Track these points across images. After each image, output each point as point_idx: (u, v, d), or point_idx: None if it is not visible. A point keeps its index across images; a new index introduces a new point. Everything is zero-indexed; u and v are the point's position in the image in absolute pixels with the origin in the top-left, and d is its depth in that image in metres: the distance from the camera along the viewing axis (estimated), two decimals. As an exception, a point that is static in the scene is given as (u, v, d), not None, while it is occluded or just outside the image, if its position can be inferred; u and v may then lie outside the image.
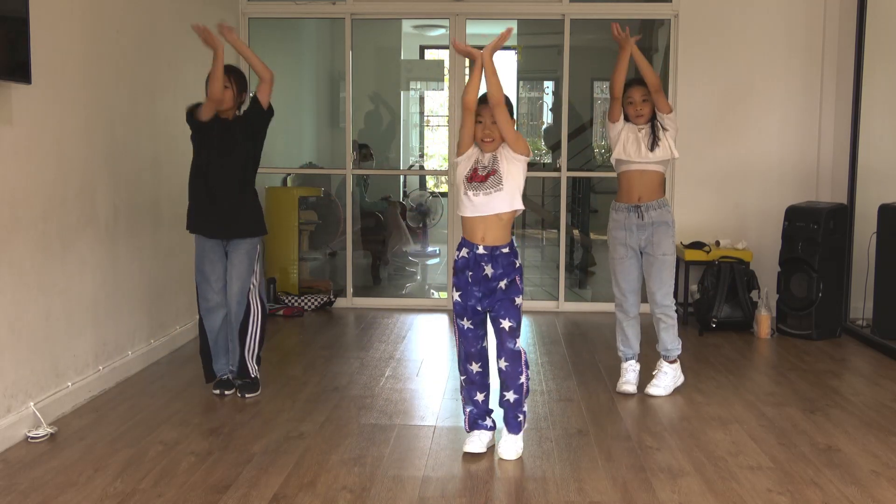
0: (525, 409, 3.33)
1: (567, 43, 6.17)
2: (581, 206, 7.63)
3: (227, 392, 4.03)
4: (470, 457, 3.26)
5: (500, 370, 3.27)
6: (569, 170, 6.36)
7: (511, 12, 6.65)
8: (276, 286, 6.31)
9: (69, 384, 3.78)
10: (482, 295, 3.25)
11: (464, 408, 3.38)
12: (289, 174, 7.24)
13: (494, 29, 9.72)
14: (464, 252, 3.27)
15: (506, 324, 3.23)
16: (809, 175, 6.08)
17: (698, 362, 4.79)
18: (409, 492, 2.92)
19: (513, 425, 3.29)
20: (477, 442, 3.30)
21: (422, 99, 9.99)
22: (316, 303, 6.27)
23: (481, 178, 3.23)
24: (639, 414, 3.84)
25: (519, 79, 8.98)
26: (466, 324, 3.28)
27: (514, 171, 3.23)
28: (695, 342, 5.31)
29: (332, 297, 6.36)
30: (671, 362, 4.17)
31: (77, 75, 3.85)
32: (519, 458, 3.25)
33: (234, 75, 4.04)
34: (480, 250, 3.23)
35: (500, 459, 3.24)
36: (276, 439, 3.42)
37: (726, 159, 6.11)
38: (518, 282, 3.27)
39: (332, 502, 2.82)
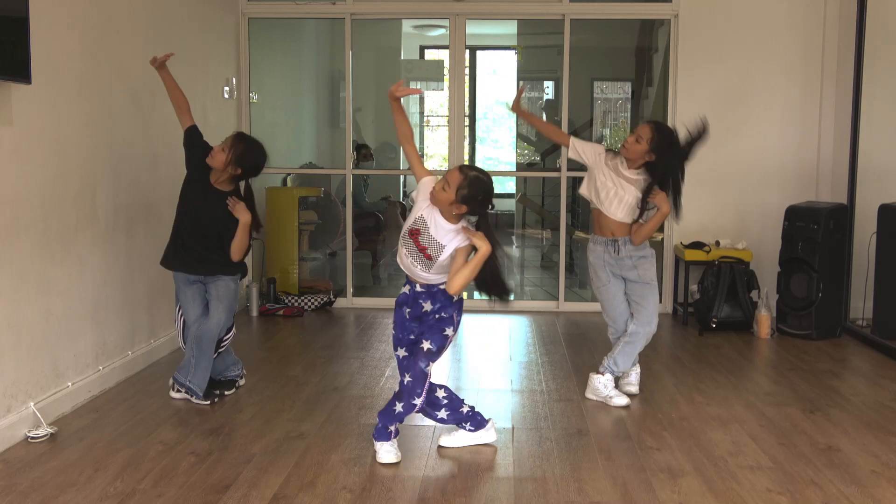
0: (399, 423, 3.24)
1: (567, 43, 6.17)
2: (581, 206, 7.62)
3: (227, 392, 4.04)
4: (443, 451, 3.30)
5: (401, 383, 3.18)
6: (569, 170, 6.36)
7: (511, 12, 6.66)
8: (276, 286, 6.31)
9: (69, 384, 3.78)
10: (417, 325, 3.25)
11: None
12: (289, 174, 7.24)
13: (495, 29, 9.74)
14: (405, 288, 3.27)
15: (426, 345, 3.16)
16: (809, 175, 6.08)
17: (698, 362, 4.79)
18: (409, 492, 2.92)
19: (382, 433, 3.21)
20: (450, 439, 3.38)
21: (422, 99, 9.99)
22: (316, 303, 6.26)
23: (418, 243, 3.13)
24: (639, 414, 3.84)
25: (519, 79, 8.98)
26: (402, 353, 3.26)
27: (445, 260, 3.11)
28: (695, 342, 5.31)
29: (332, 297, 6.36)
30: (605, 374, 4.03)
31: (77, 75, 3.84)
32: (518, 459, 3.25)
33: (237, 143, 3.80)
34: (418, 288, 3.22)
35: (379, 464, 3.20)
36: (276, 439, 3.42)
37: (726, 159, 6.11)
38: (455, 317, 3.22)
39: (332, 502, 2.82)
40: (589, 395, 4.06)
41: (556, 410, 3.88)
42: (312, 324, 5.83)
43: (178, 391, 3.95)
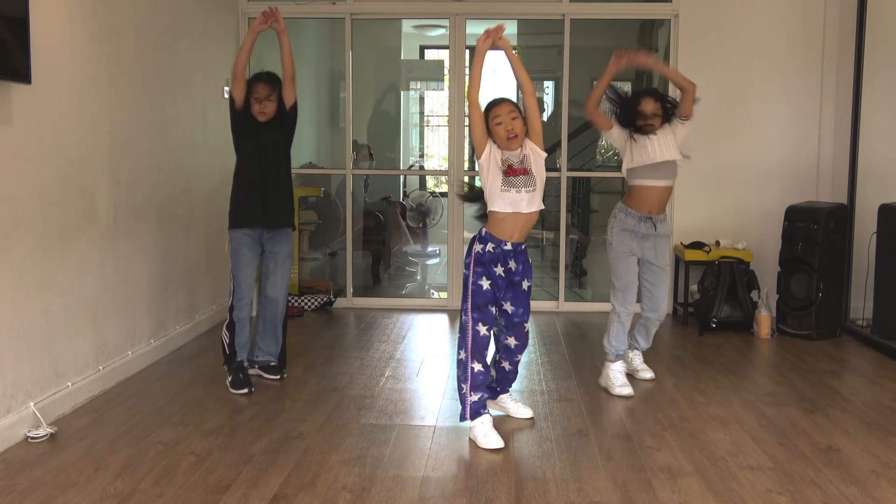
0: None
1: (567, 43, 6.17)
2: (581, 205, 7.63)
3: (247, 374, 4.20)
4: (492, 451, 3.33)
5: (515, 350, 3.60)
6: (569, 170, 6.36)
7: (511, 12, 6.65)
8: (276, 286, 6.30)
9: (69, 384, 3.78)
10: (505, 286, 3.46)
11: (470, 398, 3.43)
12: (289, 174, 7.23)
13: (494, 29, 9.59)
14: (489, 247, 3.41)
15: (523, 316, 3.56)
16: (809, 175, 6.08)
17: (698, 362, 4.79)
18: (409, 492, 2.92)
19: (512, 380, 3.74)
20: (491, 431, 3.39)
21: (422, 99, 9.99)
22: (316, 303, 6.27)
23: (517, 171, 3.33)
24: (639, 414, 3.84)
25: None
26: (493, 310, 3.46)
27: (541, 169, 3.39)
28: (695, 342, 5.31)
29: (332, 297, 6.36)
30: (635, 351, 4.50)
31: (77, 75, 3.84)
32: (518, 459, 3.26)
33: (268, 85, 4.15)
34: (507, 247, 3.41)
35: (522, 419, 3.69)
36: (276, 439, 3.42)
37: (726, 159, 6.11)
38: (528, 267, 3.54)
39: (332, 502, 2.82)
40: (602, 382, 4.26)
41: (556, 410, 3.88)
42: (312, 324, 5.83)
43: (253, 367, 4.32)
